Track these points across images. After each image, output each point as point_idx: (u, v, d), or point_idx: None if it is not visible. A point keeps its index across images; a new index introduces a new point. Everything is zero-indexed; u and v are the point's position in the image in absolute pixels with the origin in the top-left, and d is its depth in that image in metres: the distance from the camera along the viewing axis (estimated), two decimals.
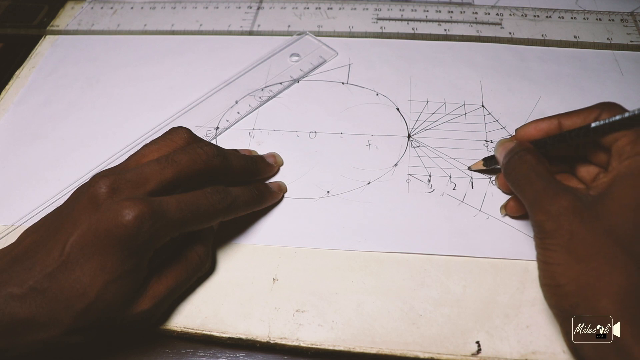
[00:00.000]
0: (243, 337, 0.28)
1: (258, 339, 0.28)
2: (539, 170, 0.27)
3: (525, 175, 0.28)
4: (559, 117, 0.29)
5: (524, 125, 0.31)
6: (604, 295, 0.23)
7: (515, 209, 0.32)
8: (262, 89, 0.42)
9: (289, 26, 0.48)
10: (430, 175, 0.35)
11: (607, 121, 0.26)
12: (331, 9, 0.50)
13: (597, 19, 0.47)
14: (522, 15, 0.48)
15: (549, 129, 0.29)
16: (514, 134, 0.37)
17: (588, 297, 0.23)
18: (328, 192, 0.35)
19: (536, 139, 0.30)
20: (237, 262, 0.32)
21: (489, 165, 0.34)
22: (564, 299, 0.24)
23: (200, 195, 0.28)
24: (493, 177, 0.35)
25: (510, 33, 0.46)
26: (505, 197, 0.33)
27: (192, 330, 0.29)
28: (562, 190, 0.26)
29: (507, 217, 0.32)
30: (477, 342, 0.27)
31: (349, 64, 0.44)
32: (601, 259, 0.23)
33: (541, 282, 0.26)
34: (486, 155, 0.35)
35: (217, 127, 0.39)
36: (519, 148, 0.29)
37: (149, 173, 0.27)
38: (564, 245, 0.24)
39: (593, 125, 0.27)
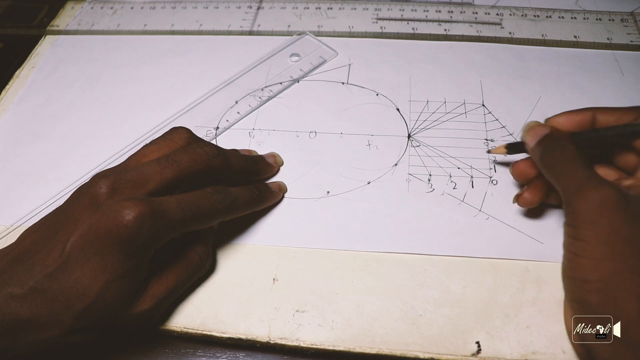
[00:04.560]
0: (243, 337, 0.28)
1: (258, 339, 0.28)
2: (582, 160, 0.26)
3: (567, 163, 0.27)
4: (595, 111, 0.29)
5: (556, 115, 0.30)
6: (635, 298, 0.22)
7: (528, 202, 0.31)
8: (262, 89, 0.42)
9: (289, 26, 0.48)
10: (430, 175, 0.35)
11: None
12: (331, 9, 0.50)
13: (597, 19, 0.47)
14: (522, 15, 0.47)
15: (582, 122, 0.29)
16: (513, 133, 0.37)
17: (617, 297, 0.22)
18: (328, 192, 0.35)
19: (566, 130, 0.29)
20: (237, 262, 0.32)
21: (512, 152, 0.33)
22: (591, 295, 0.23)
23: (200, 195, 0.28)
24: (493, 177, 0.35)
25: (510, 33, 0.46)
26: (504, 197, 0.33)
27: (192, 330, 0.29)
28: (606, 183, 0.25)
29: (507, 217, 0.32)
30: (477, 342, 0.27)
31: (349, 64, 0.44)
32: (637, 260, 0.23)
33: (565, 275, 0.25)
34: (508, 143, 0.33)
35: (217, 127, 0.39)
36: (559, 135, 0.28)
37: (149, 173, 0.27)
38: (601, 238, 0.23)
39: (634, 125, 0.27)
